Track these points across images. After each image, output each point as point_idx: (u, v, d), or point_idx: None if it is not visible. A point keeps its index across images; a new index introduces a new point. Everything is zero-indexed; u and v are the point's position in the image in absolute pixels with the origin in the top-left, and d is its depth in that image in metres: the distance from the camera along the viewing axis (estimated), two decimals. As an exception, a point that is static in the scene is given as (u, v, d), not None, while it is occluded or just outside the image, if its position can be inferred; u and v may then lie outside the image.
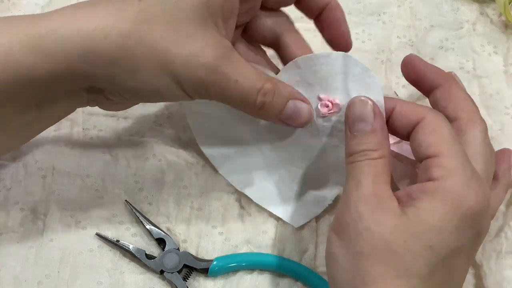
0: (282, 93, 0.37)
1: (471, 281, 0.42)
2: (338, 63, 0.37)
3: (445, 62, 0.52)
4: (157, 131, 0.47)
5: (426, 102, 0.41)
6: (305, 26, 0.43)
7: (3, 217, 0.42)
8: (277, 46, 0.42)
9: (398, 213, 0.32)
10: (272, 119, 0.38)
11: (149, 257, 0.41)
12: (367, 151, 0.34)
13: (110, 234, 0.42)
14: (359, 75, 0.37)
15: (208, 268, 0.41)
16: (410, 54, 0.41)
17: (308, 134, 0.40)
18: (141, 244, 0.42)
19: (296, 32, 0.42)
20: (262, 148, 0.43)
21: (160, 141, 0.46)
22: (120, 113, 0.47)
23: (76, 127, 0.46)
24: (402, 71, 0.41)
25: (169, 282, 0.41)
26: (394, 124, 0.37)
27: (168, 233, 0.42)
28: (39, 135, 0.45)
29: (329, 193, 0.42)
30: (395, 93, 0.50)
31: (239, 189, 0.44)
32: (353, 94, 0.37)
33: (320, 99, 0.38)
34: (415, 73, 0.41)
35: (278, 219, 0.44)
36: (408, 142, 0.36)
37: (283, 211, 0.43)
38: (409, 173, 0.41)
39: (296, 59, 0.38)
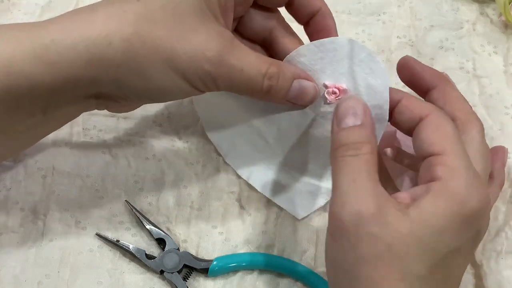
0: (287, 74, 0.37)
1: (471, 281, 0.42)
2: (344, 49, 0.37)
3: (445, 62, 0.52)
4: (157, 131, 0.47)
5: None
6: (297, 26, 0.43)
7: (3, 217, 0.42)
8: (269, 42, 0.41)
9: (400, 215, 0.32)
10: (279, 101, 0.38)
11: (149, 257, 0.41)
12: (358, 144, 0.33)
13: (110, 234, 0.42)
14: (365, 60, 0.37)
15: (208, 268, 0.41)
16: (405, 56, 0.41)
17: (313, 123, 0.40)
18: (141, 244, 0.42)
19: (287, 26, 0.42)
20: (267, 137, 0.43)
21: (160, 141, 0.46)
22: (120, 113, 0.47)
23: (76, 127, 0.46)
24: (398, 73, 0.41)
25: (169, 282, 0.41)
26: (398, 117, 0.37)
27: (168, 233, 0.42)
28: (39, 135, 0.45)
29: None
30: (395, 93, 0.49)
31: (244, 178, 0.44)
32: (359, 80, 0.37)
33: (326, 86, 0.38)
34: (411, 74, 0.41)
35: (278, 219, 0.44)
36: (410, 138, 0.36)
37: (287, 201, 0.43)
38: (407, 172, 0.41)
39: (299, 47, 0.38)
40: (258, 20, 0.41)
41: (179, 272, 0.41)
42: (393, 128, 0.39)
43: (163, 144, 0.46)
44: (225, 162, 0.45)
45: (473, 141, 0.37)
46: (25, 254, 0.41)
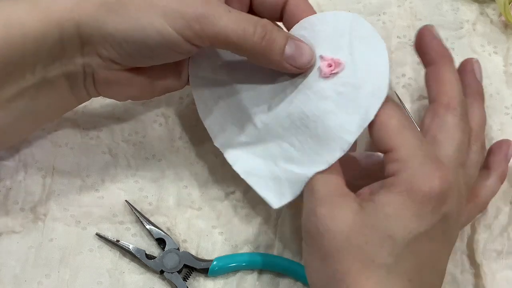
0: (281, 30, 0.37)
1: (471, 281, 0.42)
2: (345, 23, 0.36)
3: (445, 62, 0.52)
4: (157, 131, 0.47)
5: (426, 102, 0.41)
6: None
7: (3, 217, 0.42)
8: (282, 15, 0.41)
9: (356, 209, 0.33)
10: (276, 58, 0.37)
11: (149, 257, 0.41)
12: None
13: (110, 234, 0.42)
14: (365, 37, 0.36)
15: (208, 268, 0.41)
16: (426, 25, 0.41)
17: (304, 98, 0.38)
18: (141, 244, 0.42)
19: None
20: (256, 121, 0.40)
21: (160, 141, 0.46)
22: (120, 113, 0.47)
23: (76, 127, 0.46)
24: (415, 38, 0.41)
25: (169, 282, 0.41)
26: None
27: (168, 233, 0.42)
28: (39, 135, 0.45)
29: (309, 170, 0.37)
30: (395, 93, 0.49)
31: (230, 163, 0.42)
32: (357, 55, 0.36)
33: (322, 58, 0.37)
34: (420, 44, 0.41)
35: (278, 219, 0.44)
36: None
37: (266, 190, 0.40)
38: (373, 169, 0.41)
39: (302, 20, 0.38)
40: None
41: (179, 272, 0.41)
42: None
43: (163, 144, 0.46)
44: (225, 162, 0.45)
45: (445, 126, 0.37)
46: (25, 254, 0.41)
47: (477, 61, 0.43)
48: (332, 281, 0.33)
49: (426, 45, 0.40)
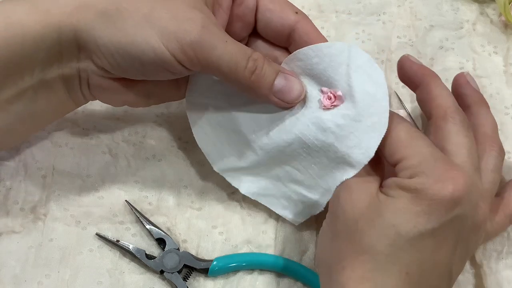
0: (272, 65, 0.37)
1: (471, 281, 0.42)
2: (342, 54, 0.37)
3: (445, 62, 0.52)
4: (157, 131, 0.47)
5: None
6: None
7: (3, 217, 0.42)
8: (291, 40, 0.40)
9: (373, 197, 0.35)
10: (264, 93, 0.37)
11: (149, 257, 0.41)
12: None
13: (110, 234, 0.42)
14: (362, 66, 0.36)
15: (208, 268, 0.41)
16: (403, 55, 0.42)
17: (304, 128, 0.38)
18: (141, 244, 0.42)
19: (309, 21, 0.40)
20: (255, 147, 0.41)
21: (160, 141, 0.46)
22: (120, 113, 0.47)
23: (76, 127, 0.46)
24: (397, 72, 0.42)
25: (169, 282, 0.41)
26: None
27: (168, 233, 0.42)
28: (39, 135, 0.45)
29: (322, 198, 0.40)
30: (396, 93, 0.49)
31: (235, 186, 0.43)
32: (356, 86, 0.36)
33: (322, 91, 0.38)
34: (402, 73, 0.42)
35: (278, 219, 0.44)
36: None
37: (282, 209, 0.42)
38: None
39: (296, 51, 0.38)
40: (275, 20, 0.40)
41: (179, 272, 0.41)
42: None
43: (163, 144, 0.46)
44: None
45: (449, 135, 0.37)
46: (25, 254, 0.41)
47: (468, 73, 0.43)
48: (334, 260, 0.35)
49: (408, 72, 0.41)
